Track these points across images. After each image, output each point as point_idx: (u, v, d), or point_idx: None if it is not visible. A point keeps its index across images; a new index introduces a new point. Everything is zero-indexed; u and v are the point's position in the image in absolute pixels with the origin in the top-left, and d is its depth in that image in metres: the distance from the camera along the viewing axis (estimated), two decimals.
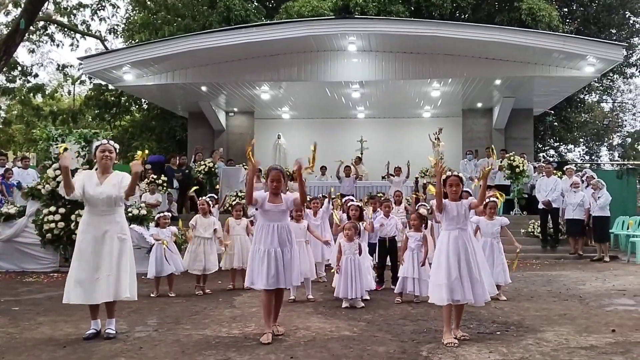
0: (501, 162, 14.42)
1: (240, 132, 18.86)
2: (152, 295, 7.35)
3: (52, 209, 9.70)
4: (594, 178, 11.95)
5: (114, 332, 5.02)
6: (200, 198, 8.23)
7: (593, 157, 29.41)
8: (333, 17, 15.59)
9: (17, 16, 15.66)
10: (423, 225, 7.07)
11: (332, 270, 6.92)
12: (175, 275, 7.67)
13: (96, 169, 5.17)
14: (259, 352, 4.48)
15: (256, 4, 20.87)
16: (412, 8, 19.77)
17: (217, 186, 14.26)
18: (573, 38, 13.97)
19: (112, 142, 5.18)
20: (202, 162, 14.22)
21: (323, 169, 16.73)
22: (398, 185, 13.12)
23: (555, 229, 12.09)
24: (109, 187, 4.98)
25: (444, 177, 4.97)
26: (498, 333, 5.15)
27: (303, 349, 4.59)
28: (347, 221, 7.07)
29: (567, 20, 22.45)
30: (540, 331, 5.20)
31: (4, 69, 16.69)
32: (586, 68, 13.52)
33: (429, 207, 8.25)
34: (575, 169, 13.35)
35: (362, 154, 17.42)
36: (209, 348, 4.64)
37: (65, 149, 5.27)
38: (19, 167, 13.44)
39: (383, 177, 16.19)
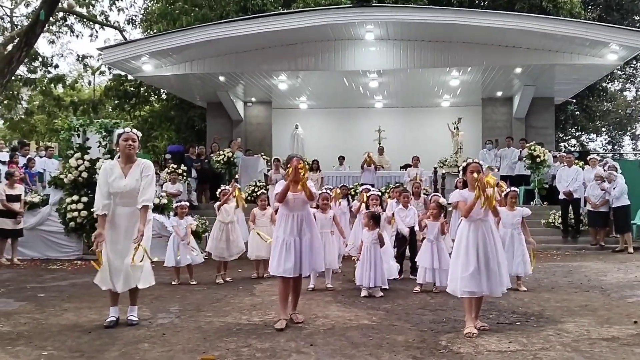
0: (521, 151, 14.26)
1: (258, 122, 18.94)
2: (173, 283, 7.46)
3: (75, 197, 9.86)
4: (616, 169, 11.74)
5: (137, 319, 5.10)
6: (224, 186, 8.31)
7: (615, 147, 28.93)
8: (350, 5, 15.47)
9: (37, 7, 15.83)
10: (442, 215, 7.08)
11: (353, 258, 6.93)
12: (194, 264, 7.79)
13: (118, 157, 5.21)
14: (279, 340, 4.53)
15: None
16: None
17: (237, 176, 14.34)
18: (595, 25, 13.71)
19: (134, 130, 5.19)
20: (221, 152, 14.30)
21: (341, 159, 16.74)
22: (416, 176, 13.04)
23: (576, 219, 11.94)
24: (132, 179, 5.01)
25: (464, 164, 4.95)
26: (518, 324, 5.13)
27: (322, 337, 4.63)
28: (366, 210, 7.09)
29: (589, 7, 22.03)
30: (561, 322, 5.16)
31: (25, 60, 16.90)
32: (609, 56, 13.28)
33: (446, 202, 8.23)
34: (598, 158, 13.12)
35: (380, 143, 17.37)
36: (230, 335, 4.70)
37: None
38: (41, 157, 13.68)
39: (402, 168, 16.16)
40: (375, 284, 6.49)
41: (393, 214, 7.80)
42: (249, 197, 11.89)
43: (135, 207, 4.98)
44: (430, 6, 17.00)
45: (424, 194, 10.76)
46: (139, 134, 5.23)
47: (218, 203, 7.98)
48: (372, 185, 11.88)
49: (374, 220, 6.69)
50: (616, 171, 11.58)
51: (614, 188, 11.19)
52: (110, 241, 4.99)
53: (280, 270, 5.01)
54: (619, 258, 10.22)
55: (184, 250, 7.64)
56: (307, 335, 4.71)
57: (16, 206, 9.92)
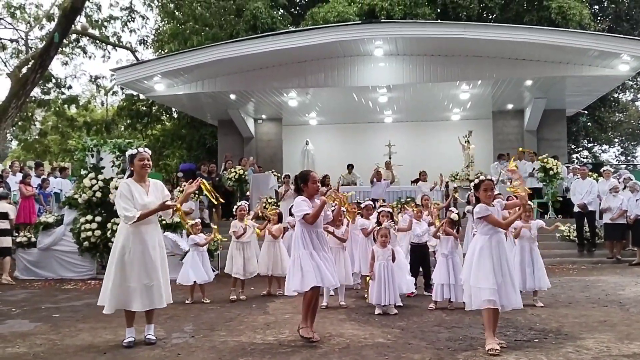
0: (534, 166, 14.15)
1: (269, 139, 19.02)
2: (187, 302, 7.45)
3: (89, 217, 9.94)
4: (631, 180, 11.62)
5: (154, 338, 5.11)
6: (239, 203, 8.33)
7: (628, 158, 28.64)
8: (359, 22, 15.60)
9: (51, 30, 16.11)
10: (455, 230, 7.05)
11: (368, 279, 6.83)
12: (207, 282, 7.78)
13: (129, 176, 5.29)
14: (294, 359, 4.49)
15: (282, 11, 21.04)
16: (439, 10, 19.67)
17: (248, 193, 14.38)
18: (606, 36, 13.67)
19: (147, 150, 5.28)
20: (233, 170, 14.37)
21: (350, 167, 16.78)
22: (425, 189, 13.02)
23: (591, 232, 11.78)
24: (154, 197, 5.10)
25: (476, 181, 4.92)
26: (536, 340, 5.05)
27: (338, 356, 4.59)
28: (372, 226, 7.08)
29: (599, 18, 22.00)
30: (580, 338, 5.08)
31: (40, 82, 17.15)
32: (620, 66, 13.21)
33: (458, 212, 8.19)
34: (612, 170, 12.99)
35: (390, 158, 17.36)
36: (245, 355, 4.68)
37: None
38: (55, 177, 13.83)
39: (412, 182, 16.11)
40: (389, 302, 6.43)
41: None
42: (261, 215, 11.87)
43: (152, 225, 5.09)
44: (439, 21, 17.10)
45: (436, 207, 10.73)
46: (150, 152, 5.33)
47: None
48: (383, 200, 11.85)
49: (388, 237, 6.66)
50: None
51: (636, 200, 11.04)
52: (123, 259, 4.94)
53: (302, 283, 4.99)
54: (636, 271, 10.07)
55: (199, 267, 7.65)
56: (322, 354, 4.66)
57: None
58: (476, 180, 4.94)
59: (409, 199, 12.99)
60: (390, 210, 7.69)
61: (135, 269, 4.94)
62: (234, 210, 8.21)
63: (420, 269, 7.97)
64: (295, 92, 15.81)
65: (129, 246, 4.98)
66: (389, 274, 6.45)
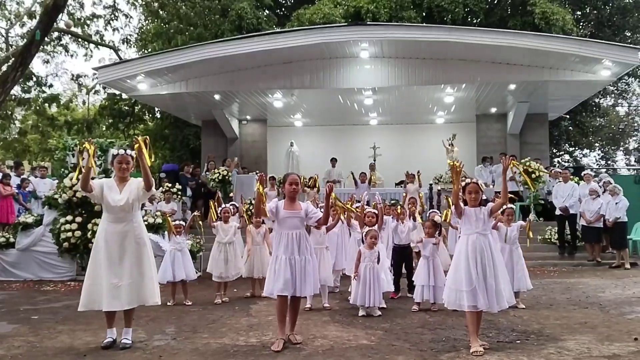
0: (513, 172, 14.25)
1: (254, 140, 18.94)
2: (168, 303, 7.36)
3: (69, 218, 9.77)
4: (611, 183, 11.79)
5: (130, 342, 5.03)
6: (224, 205, 8.28)
7: (609, 162, 29.07)
8: (345, 24, 15.61)
9: (32, 28, 15.87)
10: (437, 232, 7.08)
11: (354, 277, 6.81)
12: (188, 282, 7.71)
13: (113, 176, 5.26)
14: None
15: (267, 12, 20.99)
16: (424, 13, 19.77)
17: (231, 194, 14.29)
18: (588, 42, 13.84)
19: (129, 152, 5.21)
20: (216, 171, 14.27)
21: (333, 160, 16.85)
22: (413, 192, 13.06)
23: (572, 235, 11.93)
24: (125, 195, 5.04)
25: (463, 184, 4.94)
26: (518, 342, 5.09)
27: (322, 358, 4.58)
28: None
29: (581, 24, 22.30)
30: (561, 340, 5.13)
31: (20, 80, 16.86)
32: (602, 72, 13.39)
33: (441, 215, 8.25)
34: (592, 174, 13.16)
35: (375, 160, 17.39)
36: (228, 357, 4.63)
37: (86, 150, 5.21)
38: (36, 177, 13.61)
39: (397, 184, 16.16)
40: (374, 304, 6.42)
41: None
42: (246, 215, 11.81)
43: (128, 224, 5.02)
44: (424, 24, 17.18)
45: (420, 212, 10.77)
46: (134, 154, 5.22)
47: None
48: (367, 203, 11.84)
49: (377, 238, 6.65)
50: None
51: (616, 203, 11.21)
52: (97, 257, 4.95)
53: (272, 288, 4.97)
54: (615, 274, 10.21)
55: (179, 265, 7.58)
56: (305, 356, 4.64)
57: None
58: (463, 183, 4.97)
59: (393, 201, 13.00)
60: (376, 211, 7.67)
61: (104, 268, 4.92)
62: (218, 211, 8.15)
63: (404, 271, 7.99)
64: (280, 93, 15.75)
65: (100, 244, 5.00)
66: (374, 276, 6.44)
